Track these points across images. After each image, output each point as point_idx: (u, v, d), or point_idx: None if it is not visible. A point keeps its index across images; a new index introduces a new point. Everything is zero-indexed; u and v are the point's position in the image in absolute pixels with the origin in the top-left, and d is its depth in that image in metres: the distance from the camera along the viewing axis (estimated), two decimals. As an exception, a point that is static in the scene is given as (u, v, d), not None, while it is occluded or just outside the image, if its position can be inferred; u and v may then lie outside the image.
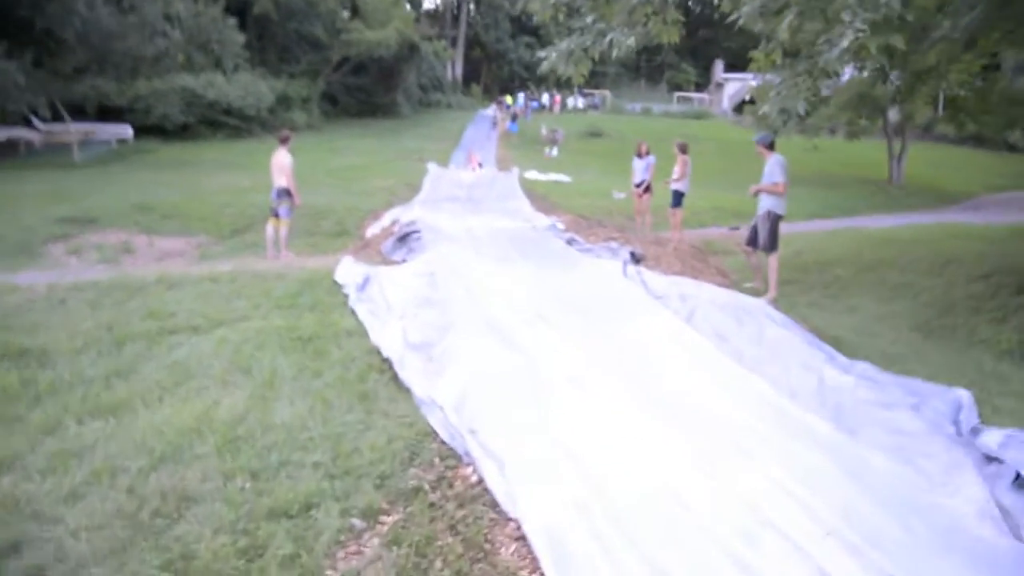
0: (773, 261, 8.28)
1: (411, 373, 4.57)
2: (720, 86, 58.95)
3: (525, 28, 62.20)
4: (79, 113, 25.66)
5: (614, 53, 7.04)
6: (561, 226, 12.94)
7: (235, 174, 19.38)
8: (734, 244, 12.04)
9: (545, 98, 53.89)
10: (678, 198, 12.69)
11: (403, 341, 5.20)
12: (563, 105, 53.65)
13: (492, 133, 36.47)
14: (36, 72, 22.63)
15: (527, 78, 61.74)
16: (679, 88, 65.42)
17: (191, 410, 4.02)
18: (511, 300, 6.44)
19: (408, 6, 40.04)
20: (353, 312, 6.06)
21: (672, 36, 8.23)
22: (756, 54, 9.74)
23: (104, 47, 23.75)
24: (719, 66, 60.56)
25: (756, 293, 8.08)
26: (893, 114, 28.03)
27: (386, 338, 5.29)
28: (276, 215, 10.63)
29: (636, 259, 8.52)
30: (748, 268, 9.40)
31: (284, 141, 10.58)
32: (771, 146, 8.48)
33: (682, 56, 71.33)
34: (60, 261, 10.32)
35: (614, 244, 9.37)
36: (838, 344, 5.94)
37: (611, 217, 16.97)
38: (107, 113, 26.49)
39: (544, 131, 34.53)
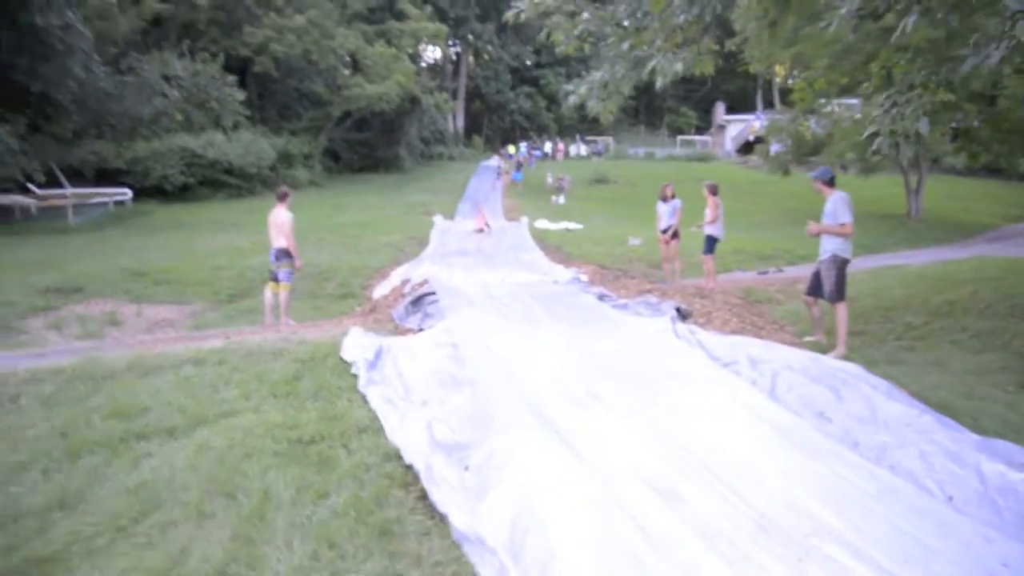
0: (841, 312, 7.23)
1: (445, 493, 3.48)
2: (722, 128, 58.82)
3: (525, 79, 62.37)
4: (77, 177, 25.04)
5: (659, 81, 6.11)
6: (584, 278, 11.97)
7: (234, 235, 18.51)
8: (775, 291, 11.01)
9: (548, 146, 53.63)
10: (712, 243, 11.76)
11: (429, 440, 4.12)
12: (566, 153, 53.32)
13: (497, 183, 35.91)
14: (32, 137, 22.06)
15: (528, 128, 61.74)
16: (679, 132, 65.37)
17: (151, 564, 2.95)
18: (553, 375, 5.37)
19: (408, 60, 39.73)
20: (364, 398, 5.00)
21: (707, 67, 7.35)
22: (799, 83, 8.92)
23: (102, 109, 23.23)
24: (720, 108, 60.54)
25: (820, 349, 7.03)
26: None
27: (407, 435, 4.22)
28: (275, 279, 9.65)
29: (683, 315, 7.49)
30: (802, 319, 8.38)
31: (282, 198, 9.66)
32: (831, 182, 7.49)
33: (680, 100, 71.61)
34: (38, 337, 9.32)
35: (652, 298, 8.34)
36: (949, 412, 4.88)
37: (632, 265, 16.09)
38: (106, 176, 25.87)
39: (550, 179, 34.06)
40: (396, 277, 12.86)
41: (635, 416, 4.52)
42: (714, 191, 12.08)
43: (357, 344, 6.22)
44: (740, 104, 61.17)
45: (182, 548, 3.09)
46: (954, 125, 25.10)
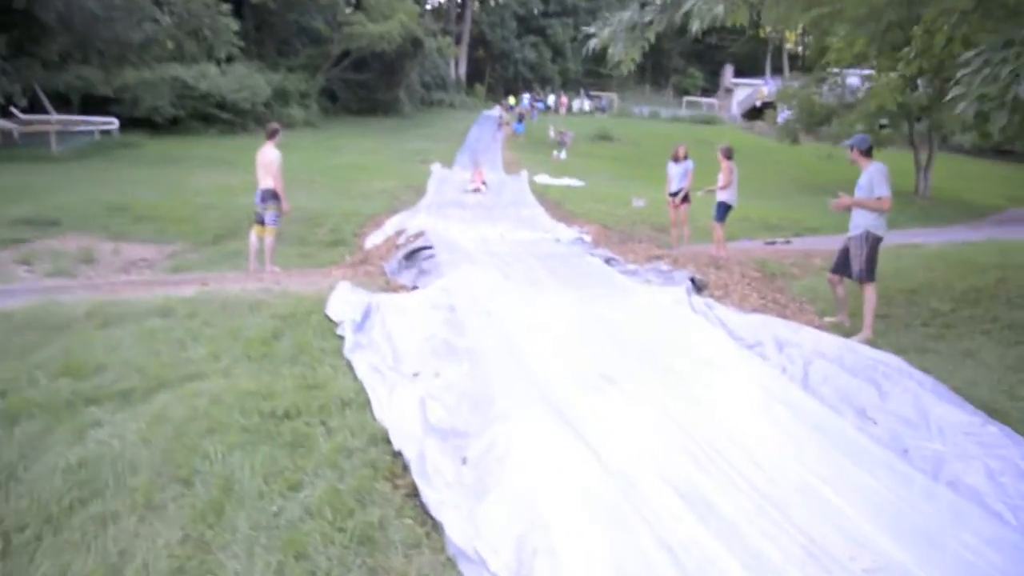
0: (870, 294, 6.69)
1: (440, 490, 2.95)
2: (730, 91, 57.70)
3: (531, 28, 60.72)
4: (62, 103, 24.06)
5: (694, 26, 5.46)
6: (588, 238, 11.40)
7: (224, 172, 17.77)
8: (789, 264, 10.47)
9: (551, 99, 52.41)
10: (724, 211, 11.17)
11: (421, 421, 3.59)
12: (569, 107, 52.17)
13: (498, 134, 35.06)
14: (15, 58, 21.02)
15: (532, 79, 60.31)
16: (685, 93, 64.23)
17: (79, 571, 2.42)
18: (560, 349, 4.83)
19: (412, 0, 38.35)
20: (349, 365, 4.45)
21: (741, 17, 6.68)
22: (839, 42, 8.25)
23: (88, 31, 22.14)
24: (728, 71, 59.32)
25: (842, 332, 6.52)
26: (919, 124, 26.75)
27: (396, 414, 3.69)
28: (261, 222, 9.03)
29: (698, 286, 6.94)
30: (822, 298, 7.86)
31: (272, 135, 8.98)
32: (869, 152, 6.88)
33: (688, 61, 70.26)
34: (4, 272, 8.70)
35: (663, 265, 7.77)
36: (998, 415, 4.39)
37: (636, 228, 15.55)
38: (93, 104, 24.84)
39: (552, 133, 33.30)
40: (390, 227, 12.24)
41: (654, 404, 4.00)
42: (728, 155, 11.46)
43: (345, 300, 5.64)
44: (749, 68, 59.96)
45: (121, 550, 2.56)
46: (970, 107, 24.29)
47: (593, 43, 6.60)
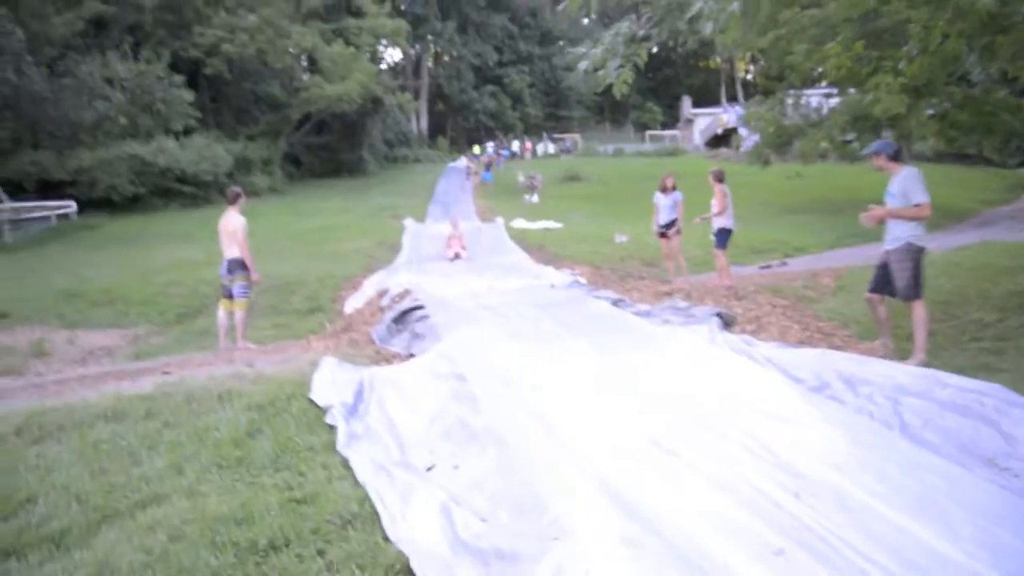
0: (920, 312, 5.97)
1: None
2: (690, 122, 58.12)
3: (488, 78, 61.01)
4: (18, 190, 23.07)
5: (707, 28, 4.80)
6: (583, 280, 10.65)
7: (187, 247, 16.85)
8: (800, 286, 9.80)
9: (515, 145, 52.31)
10: (725, 237, 10.56)
11: (451, 537, 2.73)
12: (534, 151, 52.09)
13: (466, 184, 34.61)
14: (-37, 147, 20.20)
15: (494, 127, 60.40)
16: (645, 127, 64.72)
17: None
18: (600, 418, 3.99)
19: (368, 59, 38.09)
20: (346, 463, 3.59)
21: (733, 33, 6.07)
22: (833, 48, 7.75)
23: (37, 114, 21.40)
24: (687, 103, 59.82)
25: (888, 356, 5.78)
26: (890, 135, 26.78)
27: (415, 531, 2.83)
28: (229, 296, 8.18)
29: (726, 322, 6.18)
30: (853, 321, 7.16)
31: (234, 200, 8.20)
32: (897, 156, 6.23)
33: (645, 96, 71.14)
34: (-59, 378, 7.71)
35: (679, 302, 7.02)
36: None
37: (625, 264, 14.95)
38: (49, 189, 23.88)
39: (521, 178, 32.93)
40: (370, 287, 11.43)
41: (732, 477, 3.18)
42: (720, 178, 10.90)
43: (331, 380, 4.78)
44: (703, 99, 60.60)
45: None
46: (931, 111, 24.64)
47: (583, 66, 5.93)
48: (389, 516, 2.98)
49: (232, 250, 8.06)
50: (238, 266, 8.06)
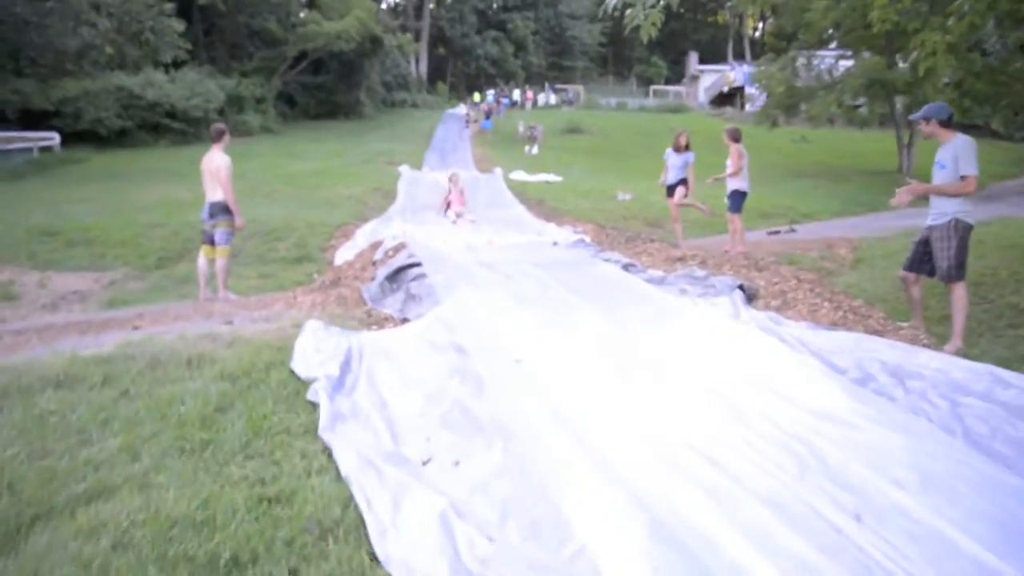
0: (960, 294, 5.49)
1: None
2: (695, 79, 56.91)
3: (491, 23, 59.41)
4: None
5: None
6: (587, 239, 10.12)
7: (174, 185, 16.15)
8: (816, 257, 9.30)
9: (516, 94, 51.10)
10: (740, 199, 10.02)
11: (451, 558, 2.26)
12: (535, 102, 50.90)
13: (465, 132, 33.71)
14: (-58, 73, 19.26)
15: (495, 74, 59.01)
16: (649, 82, 63.49)
17: None
18: (627, 412, 3.48)
19: (368, -1, 36.75)
20: (328, 451, 3.10)
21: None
22: (878, 0, 7.09)
23: (20, 40, 20.37)
24: (693, 58, 58.45)
25: (918, 340, 5.32)
26: (900, 101, 26.16)
27: (409, 546, 2.35)
28: (211, 242, 7.61)
29: (748, 296, 5.68)
30: (879, 299, 6.67)
31: (218, 138, 7.57)
32: (950, 122, 5.67)
33: (651, 50, 69.77)
34: None
35: (697, 271, 6.50)
36: None
37: (628, 224, 14.37)
38: (32, 119, 22.95)
39: (521, 128, 32.16)
40: (362, 237, 10.86)
41: (772, 484, 2.71)
42: (736, 137, 10.29)
43: (315, 347, 4.26)
44: (710, 55, 59.22)
45: None
46: (946, 80, 23.92)
47: (613, 3, 5.32)
48: (377, 525, 2.50)
49: (215, 192, 7.47)
50: (221, 210, 7.47)
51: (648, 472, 2.82)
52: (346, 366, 4.02)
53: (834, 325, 4.84)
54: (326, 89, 36.63)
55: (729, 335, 4.63)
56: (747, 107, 42.17)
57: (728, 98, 49.59)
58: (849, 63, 26.28)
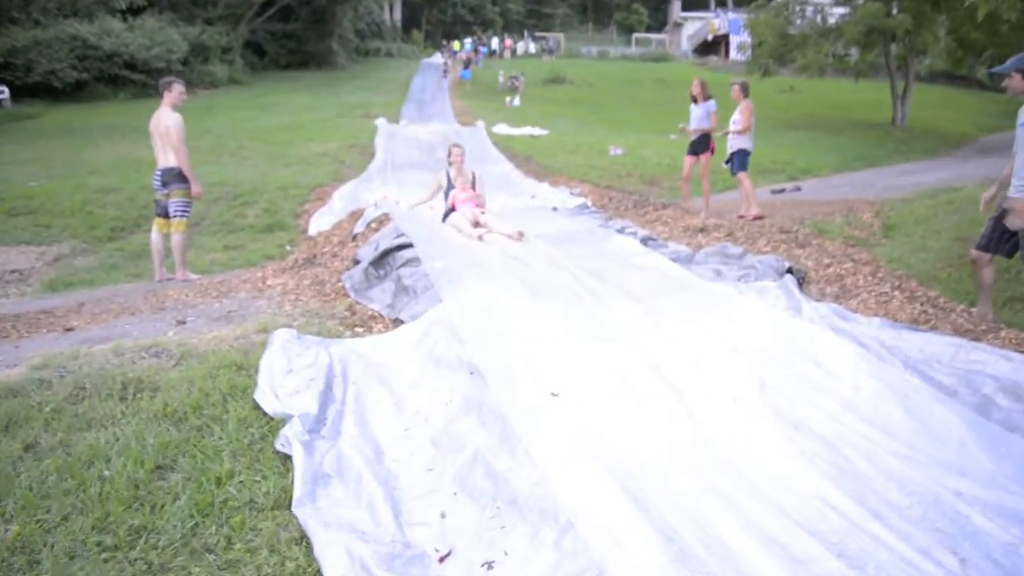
0: (1045, 279, 4.70)
1: None
2: (679, 26, 55.37)
3: (468, -33, 57.19)
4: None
5: None
6: (588, 203, 9.22)
7: (132, 143, 14.87)
8: (840, 223, 8.47)
9: (495, 43, 49.32)
10: (744, 158, 9.25)
11: None
12: (514, 51, 49.20)
13: (444, 82, 32.31)
14: None
15: (472, 22, 57.04)
16: (630, 30, 61.89)
17: None
18: (701, 463, 2.61)
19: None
20: (307, 541, 2.23)
21: None
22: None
23: (-42, -17, 18.69)
24: (676, 5, 56.77)
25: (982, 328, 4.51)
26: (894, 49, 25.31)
27: None
28: (165, 214, 6.60)
29: (799, 281, 4.83)
30: (926, 276, 5.87)
31: (166, 91, 6.50)
32: (1037, 75, 4.76)
33: (631, -4, 68.16)
34: None
35: (731, 248, 5.62)
36: None
37: (623, 181, 13.53)
38: (-22, 73, 21.42)
39: (502, 79, 30.94)
40: (339, 201, 9.86)
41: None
42: (747, 92, 9.45)
43: (286, 367, 3.32)
44: (692, 2, 57.57)
45: None
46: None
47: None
48: None
49: (167, 157, 6.43)
50: (174, 177, 6.44)
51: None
52: (327, 394, 3.12)
53: (915, 323, 4.01)
54: (296, 38, 34.90)
55: (793, 340, 3.76)
56: (733, 56, 41.01)
57: (712, 46, 48.24)
58: (841, 10, 25.28)
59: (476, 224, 6.78)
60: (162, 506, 2.39)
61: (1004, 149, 23.04)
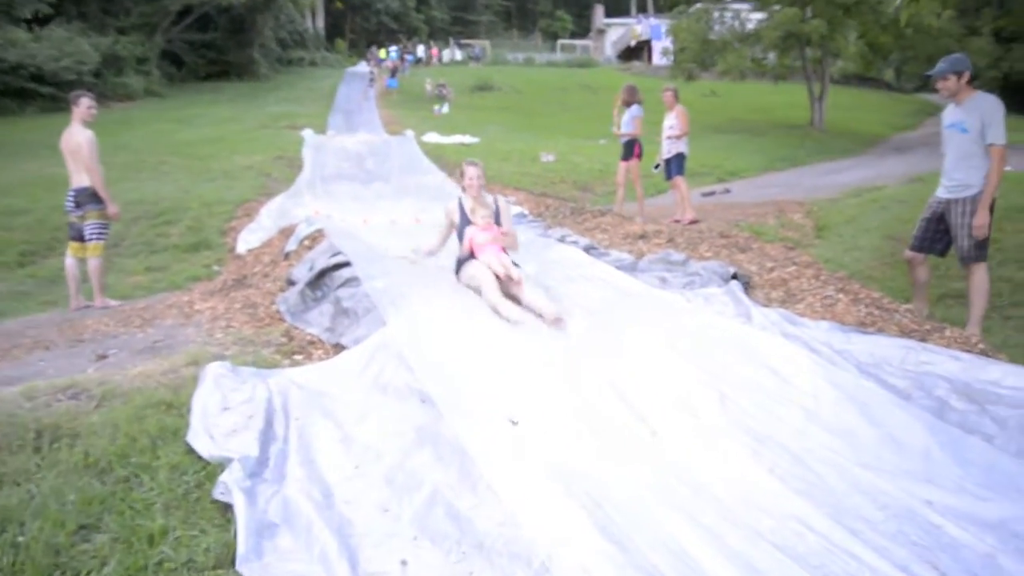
0: (981, 277, 4.77)
1: None
2: (602, 32, 56.12)
3: (391, -26, 56.72)
4: None
5: None
6: (525, 211, 9.15)
7: (42, 161, 14.03)
8: (775, 226, 8.60)
9: (421, 51, 49.02)
10: (681, 162, 9.38)
11: None
12: (440, 58, 49.01)
13: (370, 92, 31.80)
14: None
15: (397, 29, 56.59)
16: (555, 37, 62.56)
17: None
18: (677, 495, 2.51)
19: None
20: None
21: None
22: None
23: None
24: (599, 12, 57.60)
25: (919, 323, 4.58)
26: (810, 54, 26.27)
27: None
28: (79, 238, 6.19)
29: (745, 286, 4.81)
30: (857, 275, 5.97)
31: (74, 106, 6.11)
32: (973, 79, 4.84)
33: (555, 3, 68.94)
34: None
35: (674, 254, 5.58)
36: None
37: (557, 188, 13.54)
38: None
39: (429, 87, 30.69)
40: (267, 216, 9.47)
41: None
42: (678, 97, 9.65)
43: (221, 404, 3.06)
44: (616, 8, 58.56)
45: None
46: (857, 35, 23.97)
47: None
48: None
49: (80, 176, 6.03)
50: (89, 198, 6.05)
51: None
52: (267, 432, 2.89)
53: (862, 326, 4.02)
54: (215, 47, 33.86)
55: (750, 345, 3.72)
56: (656, 60, 41.80)
57: (635, 52, 49.12)
58: (759, 15, 26.07)
59: (506, 281, 4.70)
60: (88, 573, 2.13)
61: (917, 148, 24.09)
